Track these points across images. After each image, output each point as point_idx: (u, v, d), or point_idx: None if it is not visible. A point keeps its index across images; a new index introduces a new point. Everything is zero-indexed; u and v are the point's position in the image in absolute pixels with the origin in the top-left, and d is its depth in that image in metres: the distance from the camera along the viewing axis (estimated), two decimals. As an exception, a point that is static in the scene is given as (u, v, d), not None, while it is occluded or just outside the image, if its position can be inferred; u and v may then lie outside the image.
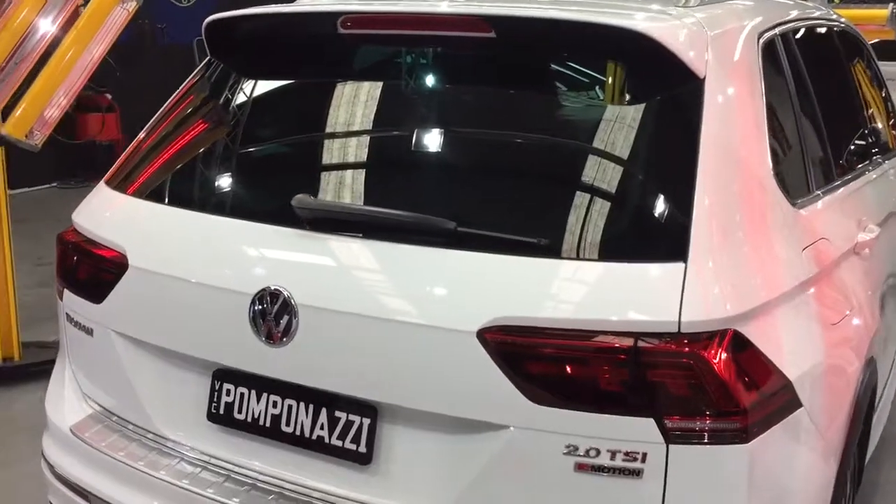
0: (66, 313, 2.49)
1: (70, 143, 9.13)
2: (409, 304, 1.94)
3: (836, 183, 2.71)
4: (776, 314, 1.97)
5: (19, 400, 4.29)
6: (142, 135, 2.58)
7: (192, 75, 2.64)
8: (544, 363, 1.84)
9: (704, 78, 2.05)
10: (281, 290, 2.01)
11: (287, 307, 2.01)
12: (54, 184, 9.67)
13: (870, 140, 3.24)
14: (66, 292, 2.48)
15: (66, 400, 2.51)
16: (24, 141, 3.66)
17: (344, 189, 2.25)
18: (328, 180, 2.31)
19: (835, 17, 3.35)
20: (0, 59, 3.98)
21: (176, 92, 2.62)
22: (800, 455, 2.00)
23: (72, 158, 9.63)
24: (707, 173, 1.94)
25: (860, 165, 3.04)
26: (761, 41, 2.40)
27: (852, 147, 3.04)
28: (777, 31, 2.57)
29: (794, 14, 2.85)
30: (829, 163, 2.74)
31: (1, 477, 3.60)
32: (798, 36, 2.78)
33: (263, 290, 2.03)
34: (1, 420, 4.13)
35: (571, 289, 1.87)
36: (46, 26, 3.73)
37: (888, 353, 3.07)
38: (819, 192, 2.51)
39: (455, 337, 1.86)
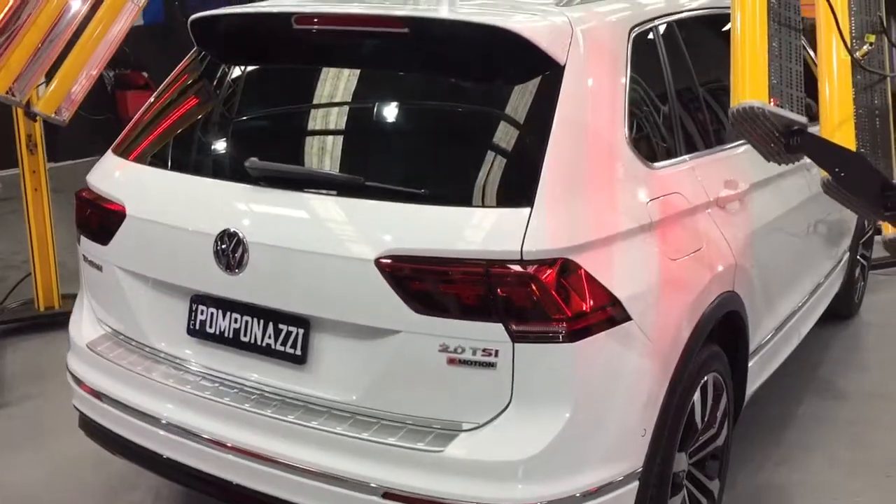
0: (83, 254, 3.16)
1: (104, 118, 9.79)
2: (327, 239, 2.58)
3: (705, 151, 3.28)
4: (612, 248, 2.57)
5: (61, 340, 4.97)
6: (141, 110, 3.23)
7: (180, 64, 3.28)
8: (423, 283, 2.46)
9: (565, 65, 2.64)
10: (236, 231, 2.66)
11: (240, 244, 2.65)
12: (95, 157, 10.35)
13: None
14: (83, 238, 3.14)
15: (83, 323, 3.19)
16: (52, 117, 4.25)
17: (285, 154, 2.88)
18: (275, 147, 2.94)
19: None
20: (38, 40, 4.30)
21: (167, 78, 3.26)
22: (628, 357, 2.58)
23: (114, 132, 10.29)
24: (557, 142, 2.53)
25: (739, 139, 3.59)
26: (633, 33, 2.96)
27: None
28: (654, 23, 3.13)
29: (676, 7, 3.38)
30: (701, 136, 3.30)
31: (47, 407, 4.29)
32: (678, 26, 3.32)
33: (224, 231, 2.67)
34: (47, 359, 4.78)
35: (445, 228, 2.48)
36: (76, 5, 4.14)
37: (770, 292, 3.60)
38: (685, 158, 3.10)
39: (359, 264, 2.49)
